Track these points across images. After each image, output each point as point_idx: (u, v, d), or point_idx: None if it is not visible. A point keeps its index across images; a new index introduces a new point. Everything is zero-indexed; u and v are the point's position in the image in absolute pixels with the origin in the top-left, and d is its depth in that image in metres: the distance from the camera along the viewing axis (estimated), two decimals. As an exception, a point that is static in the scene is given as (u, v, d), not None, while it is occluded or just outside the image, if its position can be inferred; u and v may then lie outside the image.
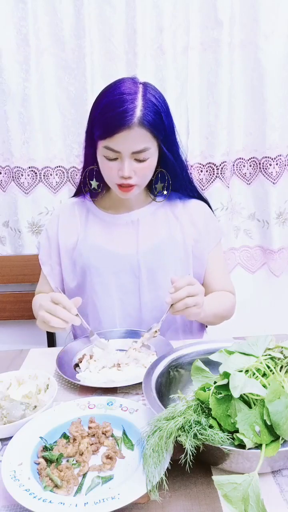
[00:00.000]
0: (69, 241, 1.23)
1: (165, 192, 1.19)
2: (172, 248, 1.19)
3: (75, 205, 1.27)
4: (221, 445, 0.60)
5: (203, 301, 1.01)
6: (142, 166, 1.08)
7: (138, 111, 1.02)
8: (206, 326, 1.34)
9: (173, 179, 1.18)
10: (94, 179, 1.18)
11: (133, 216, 1.21)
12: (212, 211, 1.29)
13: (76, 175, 1.63)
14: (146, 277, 1.19)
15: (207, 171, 1.62)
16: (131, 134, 1.03)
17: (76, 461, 0.69)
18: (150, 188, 1.20)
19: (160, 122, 1.07)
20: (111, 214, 1.22)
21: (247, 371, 0.70)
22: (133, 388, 0.90)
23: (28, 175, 1.60)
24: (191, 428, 0.62)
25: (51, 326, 0.98)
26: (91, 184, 1.19)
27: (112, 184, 1.12)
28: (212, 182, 1.62)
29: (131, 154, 1.05)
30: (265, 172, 1.62)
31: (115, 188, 1.13)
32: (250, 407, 0.66)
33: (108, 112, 1.03)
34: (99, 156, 1.11)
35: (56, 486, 0.64)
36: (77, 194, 1.29)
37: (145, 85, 1.07)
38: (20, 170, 1.59)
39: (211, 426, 0.64)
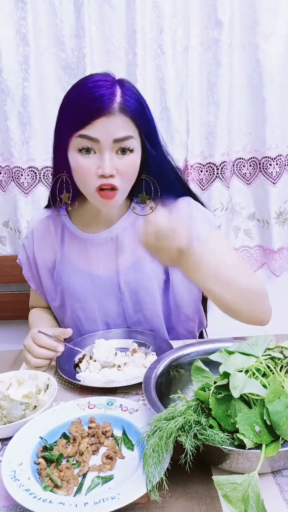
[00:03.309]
0: (47, 259, 1.13)
1: (147, 204, 1.02)
2: (155, 262, 1.06)
3: (49, 219, 1.14)
4: (221, 445, 0.60)
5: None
6: (125, 162, 0.93)
7: (118, 97, 0.90)
8: (206, 326, 1.33)
9: (161, 185, 1.02)
10: (65, 191, 1.01)
11: (111, 233, 1.07)
12: (204, 206, 1.14)
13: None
14: (129, 298, 1.09)
15: (207, 171, 1.62)
16: (111, 120, 0.89)
17: (76, 461, 0.69)
18: (130, 196, 1.05)
19: (143, 112, 0.95)
20: (89, 232, 1.09)
21: (247, 371, 0.70)
22: (133, 388, 0.90)
23: (28, 175, 1.60)
24: (191, 428, 0.62)
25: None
26: (61, 199, 1.03)
27: (91, 191, 0.95)
28: (212, 182, 1.62)
29: (113, 144, 0.91)
30: (265, 172, 1.62)
31: (94, 197, 0.96)
32: (250, 407, 0.66)
33: (82, 100, 0.90)
34: (71, 155, 0.94)
35: (56, 486, 0.64)
36: (50, 204, 1.14)
37: (120, 78, 0.96)
38: (20, 170, 1.59)
39: (211, 426, 0.64)
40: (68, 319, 1.16)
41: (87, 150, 0.92)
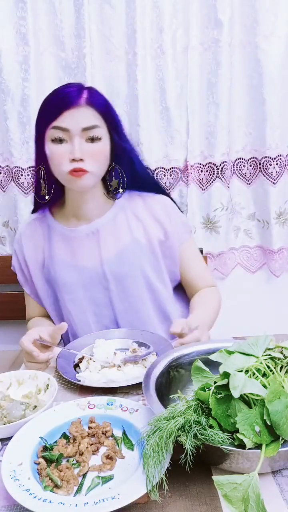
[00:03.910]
0: (38, 259, 1.21)
1: (120, 190, 1.14)
2: (137, 252, 1.16)
3: (36, 221, 1.23)
4: (221, 445, 0.60)
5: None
6: (94, 148, 1.05)
7: (85, 94, 1.05)
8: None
9: (132, 175, 1.15)
10: (44, 181, 1.13)
11: (92, 227, 1.16)
12: (178, 206, 1.25)
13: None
14: (115, 287, 1.16)
15: (207, 171, 1.62)
16: (79, 112, 1.03)
17: (76, 461, 0.69)
18: (107, 189, 1.17)
19: (108, 108, 1.09)
20: (71, 228, 1.18)
21: (247, 371, 0.70)
22: (133, 388, 0.90)
23: (28, 175, 1.60)
24: (191, 428, 0.62)
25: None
26: (40, 187, 1.14)
27: (64, 175, 1.06)
28: (212, 182, 1.62)
29: (81, 132, 1.03)
30: (265, 172, 1.62)
31: (67, 181, 1.08)
32: (250, 407, 0.66)
33: (54, 97, 1.06)
34: (47, 146, 1.07)
35: (56, 486, 0.64)
36: (36, 208, 1.25)
37: (90, 86, 1.11)
38: (19, 170, 1.59)
39: (211, 426, 0.64)
40: (62, 315, 1.22)
41: (60, 140, 1.05)
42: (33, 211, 1.27)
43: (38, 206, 1.24)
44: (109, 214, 1.18)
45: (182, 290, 1.32)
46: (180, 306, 1.29)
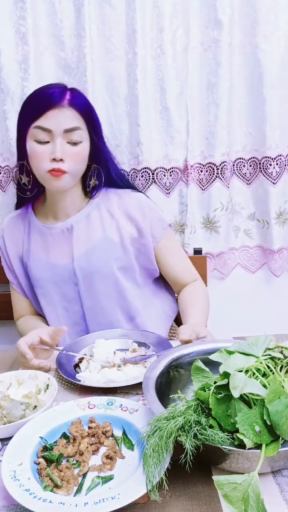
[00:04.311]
0: (18, 253, 1.25)
1: (99, 190, 1.19)
2: (108, 249, 1.18)
3: (19, 216, 1.28)
4: (221, 445, 0.60)
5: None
6: (75, 150, 1.08)
7: (68, 95, 1.07)
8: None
9: (107, 175, 1.19)
10: (25, 174, 1.17)
11: (67, 224, 1.19)
12: (152, 202, 1.27)
13: None
14: (83, 283, 1.19)
15: (207, 171, 1.61)
16: (62, 113, 1.06)
17: (76, 461, 0.69)
18: (85, 188, 1.20)
19: (90, 110, 1.12)
20: (48, 225, 1.21)
21: (247, 371, 0.70)
22: (133, 388, 0.90)
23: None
24: (191, 428, 0.62)
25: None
26: (21, 179, 1.18)
27: (43, 173, 1.09)
28: (212, 182, 1.62)
29: (63, 134, 1.06)
30: (265, 172, 1.62)
31: (46, 179, 1.10)
32: (250, 407, 0.66)
33: (37, 96, 1.08)
34: (29, 144, 1.09)
35: (56, 486, 0.64)
36: (20, 205, 1.30)
37: (72, 87, 1.13)
38: (20, 170, 1.59)
39: (211, 426, 0.64)
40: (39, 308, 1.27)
41: (43, 142, 1.07)
42: (17, 207, 1.31)
43: (21, 202, 1.29)
44: (84, 211, 1.20)
45: (163, 283, 1.35)
46: (160, 301, 1.32)
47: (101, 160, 1.18)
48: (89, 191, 1.21)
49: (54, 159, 1.06)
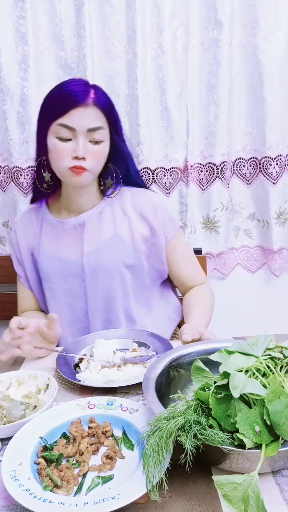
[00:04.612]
0: (29, 245, 1.25)
1: (114, 192, 1.19)
2: (118, 247, 1.18)
3: (33, 210, 1.28)
4: (221, 445, 0.60)
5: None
6: (96, 149, 1.08)
7: (92, 93, 1.07)
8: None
9: (126, 175, 1.19)
10: (46, 171, 1.16)
11: (79, 219, 1.19)
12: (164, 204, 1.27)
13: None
14: (90, 280, 1.19)
15: (207, 171, 1.62)
16: (86, 112, 1.05)
17: (76, 461, 0.69)
18: (100, 185, 1.21)
19: (112, 109, 1.11)
20: (61, 219, 1.21)
21: (247, 371, 0.70)
22: (133, 388, 0.90)
23: (27, 175, 1.60)
24: (191, 428, 0.62)
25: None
26: (44, 177, 1.17)
27: (64, 170, 1.09)
28: (212, 182, 1.62)
29: (87, 133, 1.06)
30: (265, 172, 1.62)
31: (66, 176, 1.10)
32: (250, 407, 0.66)
33: (62, 92, 1.07)
34: (50, 140, 1.08)
35: (56, 486, 0.64)
36: (35, 199, 1.29)
37: (93, 83, 1.12)
38: (19, 170, 1.59)
39: (211, 426, 0.64)
40: (45, 302, 1.26)
41: (66, 139, 1.06)
42: (32, 202, 1.31)
43: (36, 197, 1.29)
44: (97, 208, 1.20)
45: (171, 285, 1.35)
46: (166, 304, 1.31)
47: (121, 159, 1.18)
48: (103, 189, 1.21)
49: (76, 157, 1.06)
